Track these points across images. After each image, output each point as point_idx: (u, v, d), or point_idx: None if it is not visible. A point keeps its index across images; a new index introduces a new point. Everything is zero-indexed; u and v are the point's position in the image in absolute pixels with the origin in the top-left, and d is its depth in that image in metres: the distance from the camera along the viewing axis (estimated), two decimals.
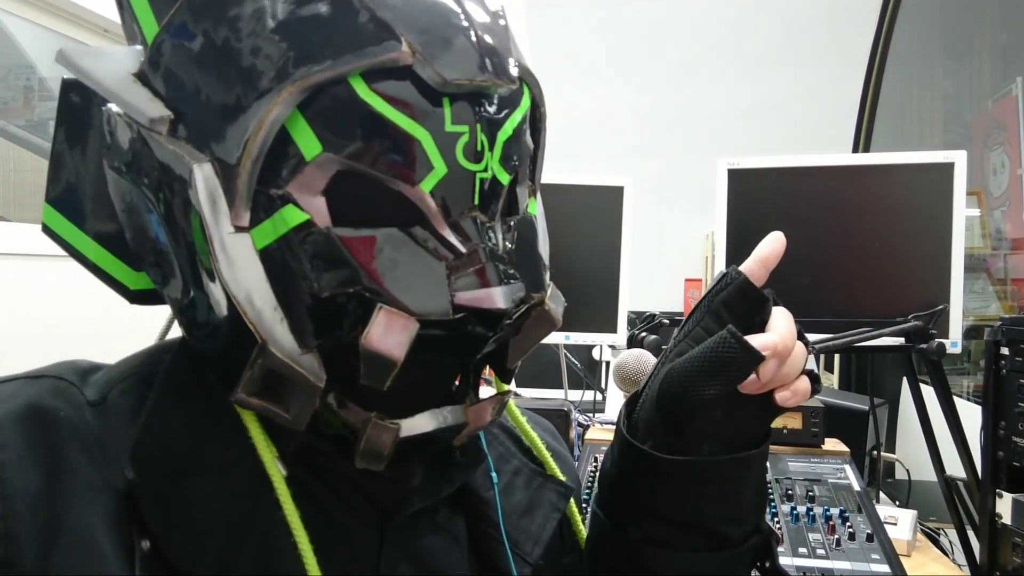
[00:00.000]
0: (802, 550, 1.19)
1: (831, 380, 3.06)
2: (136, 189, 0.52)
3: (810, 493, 1.33)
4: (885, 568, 1.15)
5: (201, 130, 0.48)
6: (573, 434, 1.61)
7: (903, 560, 1.18)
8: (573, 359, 2.16)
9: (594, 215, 1.84)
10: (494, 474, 0.66)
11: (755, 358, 0.54)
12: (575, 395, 2.12)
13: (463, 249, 0.49)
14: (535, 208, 0.59)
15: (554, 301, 0.57)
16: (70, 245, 0.59)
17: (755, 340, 0.55)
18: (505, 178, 0.52)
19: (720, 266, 1.68)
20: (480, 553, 0.63)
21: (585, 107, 4.12)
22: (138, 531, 0.48)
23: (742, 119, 4.09)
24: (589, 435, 1.60)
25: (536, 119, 0.56)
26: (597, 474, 1.42)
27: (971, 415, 1.32)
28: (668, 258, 4.03)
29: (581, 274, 1.82)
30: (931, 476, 1.50)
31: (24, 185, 2.52)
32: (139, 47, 0.53)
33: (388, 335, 0.46)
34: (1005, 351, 1.18)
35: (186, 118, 0.49)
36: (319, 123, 0.46)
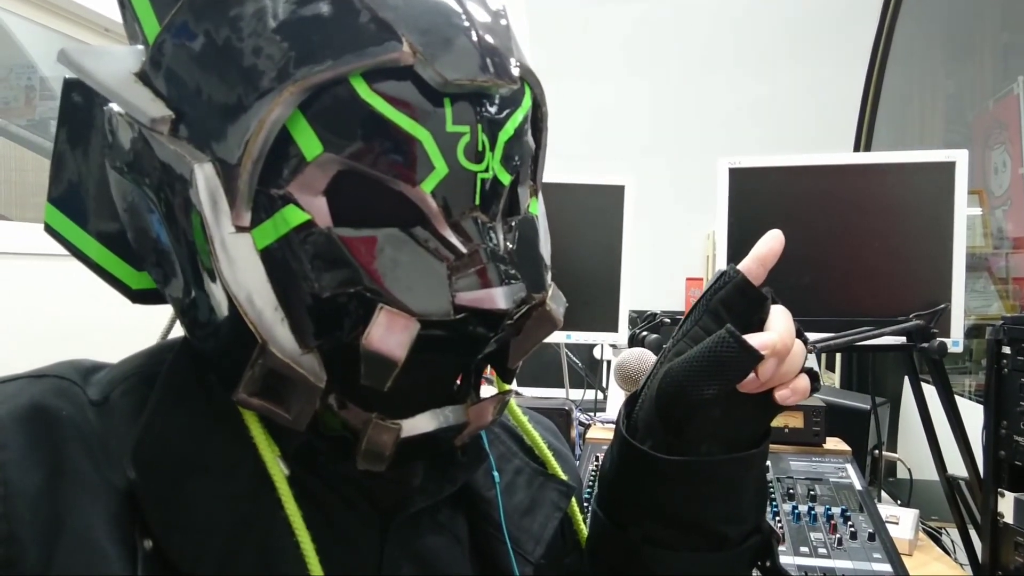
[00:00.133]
0: (804, 549, 1.19)
1: (832, 379, 3.06)
2: (137, 189, 0.52)
3: (812, 492, 1.33)
4: (887, 567, 1.15)
5: (202, 130, 0.48)
6: (574, 433, 1.61)
7: (905, 559, 1.18)
8: (574, 358, 2.16)
9: (595, 214, 1.84)
10: (496, 473, 0.66)
11: (754, 357, 0.54)
12: (576, 394, 2.12)
13: (464, 249, 0.49)
14: (536, 208, 0.59)
15: (555, 301, 0.57)
16: (72, 244, 0.59)
17: (754, 339, 0.55)
18: (506, 178, 0.51)
19: (721, 265, 1.67)
20: (482, 552, 0.63)
21: (586, 106, 4.12)
22: (140, 531, 0.48)
23: (743, 118, 4.09)
24: (590, 434, 1.60)
25: (537, 119, 0.56)
26: (597, 473, 1.42)
27: (973, 414, 1.32)
28: (669, 257, 4.03)
29: (582, 273, 1.82)
30: (933, 475, 1.50)
31: (25, 184, 2.52)
32: (140, 47, 0.53)
33: (389, 335, 0.46)
34: (1007, 350, 1.18)
35: (187, 118, 0.49)
36: (320, 123, 0.46)
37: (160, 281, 0.55)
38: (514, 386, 2.10)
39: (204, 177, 0.47)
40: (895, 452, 2.12)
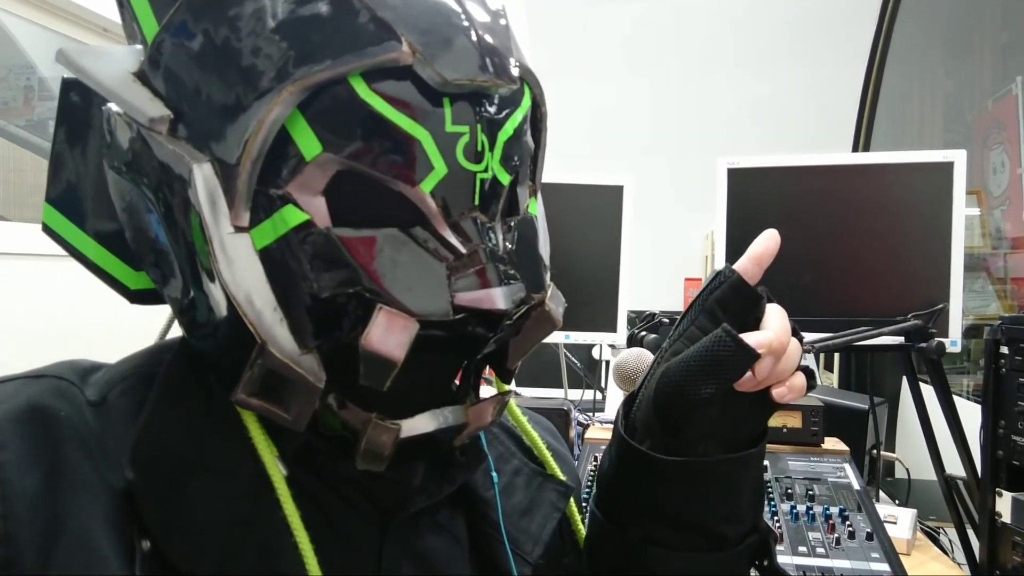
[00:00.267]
0: (802, 549, 1.19)
1: (831, 379, 3.06)
2: (136, 189, 0.52)
3: (810, 492, 1.34)
4: (885, 567, 1.15)
5: (201, 130, 0.48)
6: (573, 433, 1.61)
7: (903, 559, 1.18)
8: (573, 358, 2.16)
9: (594, 214, 1.84)
10: (494, 474, 0.66)
11: (750, 356, 0.55)
12: (575, 394, 2.12)
13: (463, 250, 0.49)
14: (535, 208, 0.59)
15: (554, 301, 0.57)
16: (70, 244, 0.59)
17: (750, 338, 0.55)
18: (506, 178, 0.51)
19: (720, 265, 1.67)
20: (480, 553, 0.63)
21: (585, 106, 4.12)
22: (138, 532, 0.48)
23: (741, 118, 4.09)
24: (589, 434, 1.60)
25: (537, 119, 0.56)
26: (596, 474, 1.42)
27: (971, 414, 1.33)
28: (668, 257, 4.02)
29: (581, 273, 1.82)
30: (931, 475, 1.50)
31: (24, 185, 2.52)
32: (139, 46, 0.53)
33: (388, 336, 0.46)
34: (1005, 350, 1.18)
35: (186, 118, 0.49)
36: (319, 123, 0.46)
37: (158, 281, 0.55)
38: (513, 386, 2.10)
39: (203, 177, 0.47)
40: (893, 452, 2.12)
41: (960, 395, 2.79)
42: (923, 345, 1.38)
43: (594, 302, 1.83)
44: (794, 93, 4.10)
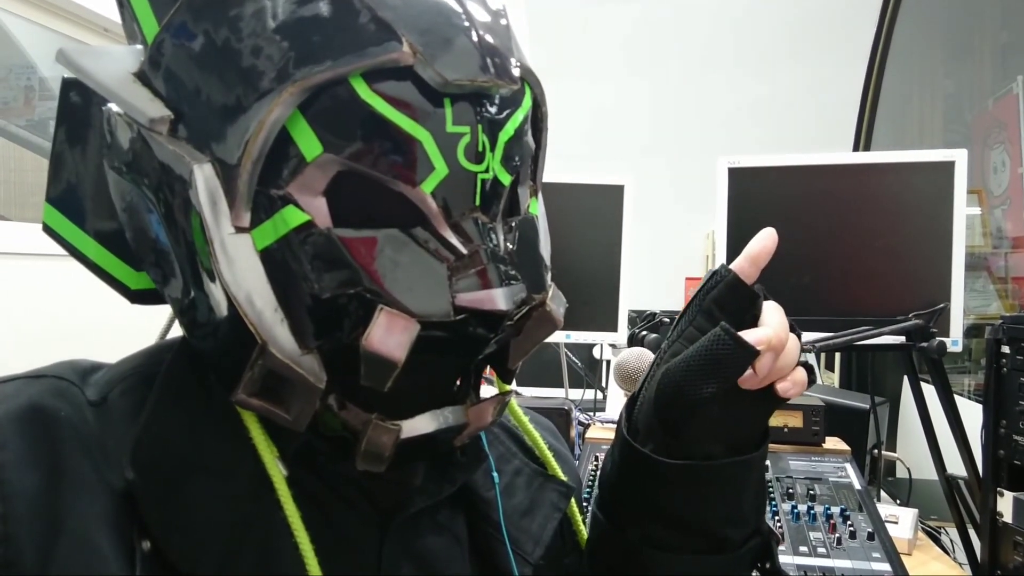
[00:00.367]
0: (803, 549, 1.19)
1: (832, 379, 3.06)
2: (136, 189, 0.52)
3: (811, 492, 1.33)
4: (886, 567, 1.15)
5: (201, 130, 0.48)
6: (574, 433, 1.61)
7: (904, 559, 1.18)
8: (574, 358, 2.16)
9: (595, 214, 1.84)
10: (495, 474, 0.66)
11: (750, 353, 0.55)
12: (576, 394, 2.12)
13: (464, 250, 0.49)
14: (536, 208, 0.59)
15: (555, 302, 0.57)
16: (70, 244, 0.59)
17: (749, 335, 0.55)
18: (507, 179, 0.51)
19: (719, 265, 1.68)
20: (481, 553, 0.63)
21: (585, 106, 4.12)
22: (138, 532, 0.48)
23: (742, 118, 4.09)
24: (590, 434, 1.60)
25: (537, 119, 0.56)
26: (597, 474, 1.42)
27: (972, 414, 1.32)
28: (668, 257, 4.02)
29: (582, 273, 1.82)
30: (932, 475, 1.50)
31: (24, 184, 2.52)
32: (139, 47, 0.53)
33: (389, 336, 0.46)
34: (1006, 349, 1.18)
35: (186, 118, 0.49)
36: (320, 124, 0.46)
37: (159, 281, 0.55)
38: (513, 386, 2.10)
39: (203, 178, 0.47)
40: (894, 452, 2.12)
41: (961, 395, 2.79)
42: (924, 345, 1.38)
43: (595, 302, 1.83)
44: (794, 93, 4.10)
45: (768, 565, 0.64)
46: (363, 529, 0.57)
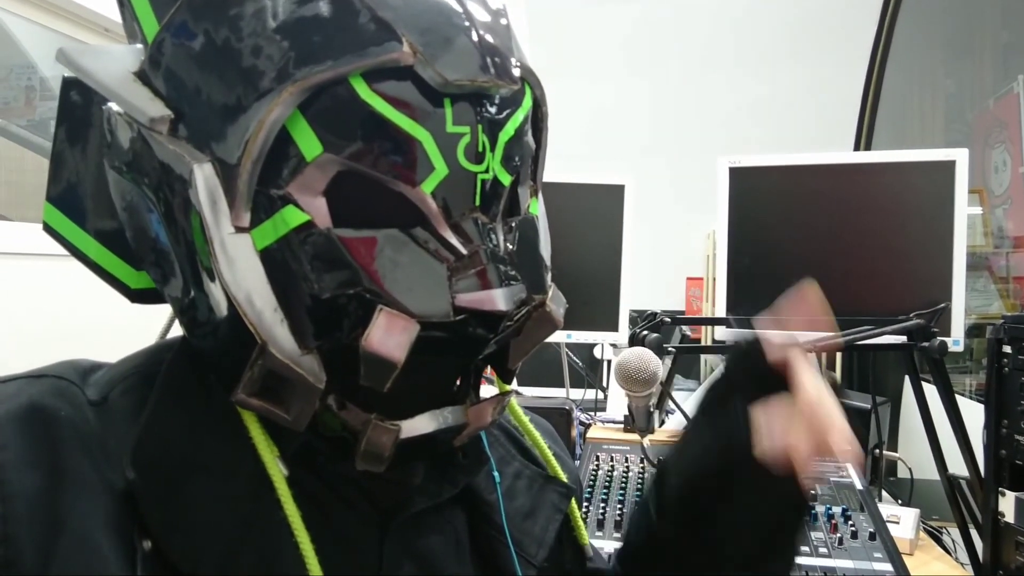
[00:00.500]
0: (804, 549, 1.19)
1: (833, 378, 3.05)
2: (136, 188, 0.52)
3: (812, 492, 1.33)
4: (888, 567, 1.14)
5: (201, 130, 0.48)
6: (575, 433, 1.61)
7: (905, 559, 1.18)
8: (575, 357, 2.16)
9: (595, 214, 1.84)
10: (497, 476, 0.65)
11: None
12: (576, 394, 2.12)
13: (464, 250, 0.49)
14: (536, 208, 0.59)
15: (555, 302, 0.57)
16: (71, 244, 0.59)
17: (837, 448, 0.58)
18: (507, 179, 0.51)
19: (721, 264, 1.68)
20: (484, 555, 0.63)
21: (586, 105, 4.12)
22: (139, 532, 0.48)
23: (743, 117, 4.08)
24: (590, 434, 1.60)
25: (538, 119, 0.56)
26: (597, 475, 1.42)
27: (973, 413, 1.32)
28: (669, 256, 4.03)
29: (582, 273, 1.82)
30: (933, 474, 1.50)
31: (25, 185, 2.52)
32: (139, 46, 0.52)
33: (388, 337, 0.46)
34: (1007, 349, 1.18)
35: (186, 118, 0.48)
36: (320, 124, 0.46)
37: (159, 281, 0.55)
38: (514, 385, 2.10)
39: (203, 177, 0.47)
40: (896, 451, 2.12)
41: (963, 394, 2.79)
42: (925, 344, 1.37)
43: (596, 301, 1.83)
44: (795, 93, 4.09)
45: None
46: (363, 529, 0.57)
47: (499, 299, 0.49)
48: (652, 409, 1.30)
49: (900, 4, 3.81)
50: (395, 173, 0.47)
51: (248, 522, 0.50)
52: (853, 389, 2.80)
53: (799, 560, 1.16)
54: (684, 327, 1.69)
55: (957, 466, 1.41)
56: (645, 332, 1.66)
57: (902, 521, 1.40)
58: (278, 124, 0.45)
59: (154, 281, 0.56)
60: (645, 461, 1.45)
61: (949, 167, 1.51)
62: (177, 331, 0.58)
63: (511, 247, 0.53)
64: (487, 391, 0.60)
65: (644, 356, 1.20)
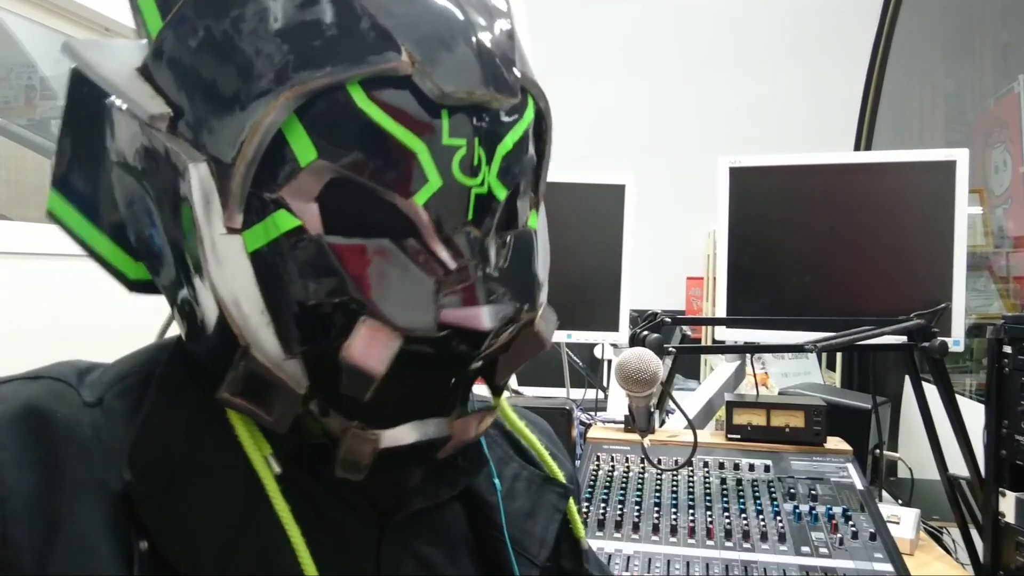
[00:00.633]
0: (804, 549, 1.19)
1: (833, 379, 3.06)
2: (136, 182, 0.52)
3: (812, 492, 1.33)
4: (888, 567, 1.14)
5: (199, 129, 0.48)
6: (575, 433, 1.60)
7: (906, 559, 1.18)
8: (575, 357, 2.16)
9: (596, 213, 1.84)
10: (496, 480, 0.65)
11: None
12: (577, 393, 2.12)
13: (453, 265, 0.48)
14: (536, 221, 0.58)
15: (545, 320, 0.56)
16: (73, 232, 0.59)
17: None
18: (502, 193, 0.51)
19: (722, 264, 1.68)
20: (486, 557, 0.63)
21: (587, 105, 4.12)
22: (136, 532, 0.48)
23: (743, 117, 4.09)
24: (591, 434, 1.60)
25: (541, 130, 0.55)
26: (598, 475, 1.42)
27: (974, 413, 1.32)
28: (670, 256, 4.03)
29: (583, 272, 1.82)
30: (934, 475, 1.50)
31: (26, 184, 2.52)
32: (144, 41, 0.52)
33: (370, 349, 0.46)
34: (1008, 349, 1.18)
35: (186, 116, 0.48)
36: (315, 129, 0.46)
37: (154, 274, 0.55)
38: (514, 385, 2.10)
39: (198, 177, 0.46)
40: (896, 452, 2.12)
41: (963, 394, 2.79)
42: (926, 344, 1.37)
43: (596, 301, 1.83)
44: (795, 93, 4.10)
45: None
46: (361, 529, 0.57)
47: (484, 317, 0.48)
48: (652, 409, 1.30)
49: (900, 4, 3.81)
50: (388, 183, 0.46)
51: (245, 522, 0.50)
52: (853, 389, 2.81)
53: (800, 560, 1.16)
54: (684, 327, 1.69)
55: (957, 466, 1.41)
56: (645, 332, 1.66)
57: (902, 521, 1.40)
58: (274, 128, 0.45)
59: (150, 273, 0.56)
60: (645, 461, 1.45)
61: (950, 167, 1.51)
62: (176, 330, 0.58)
63: (503, 263, 0.52)
64: (483, 390, 0.59)
65: (644, 356, 1.20)
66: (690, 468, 1.44)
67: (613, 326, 1.83)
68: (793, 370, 2.79)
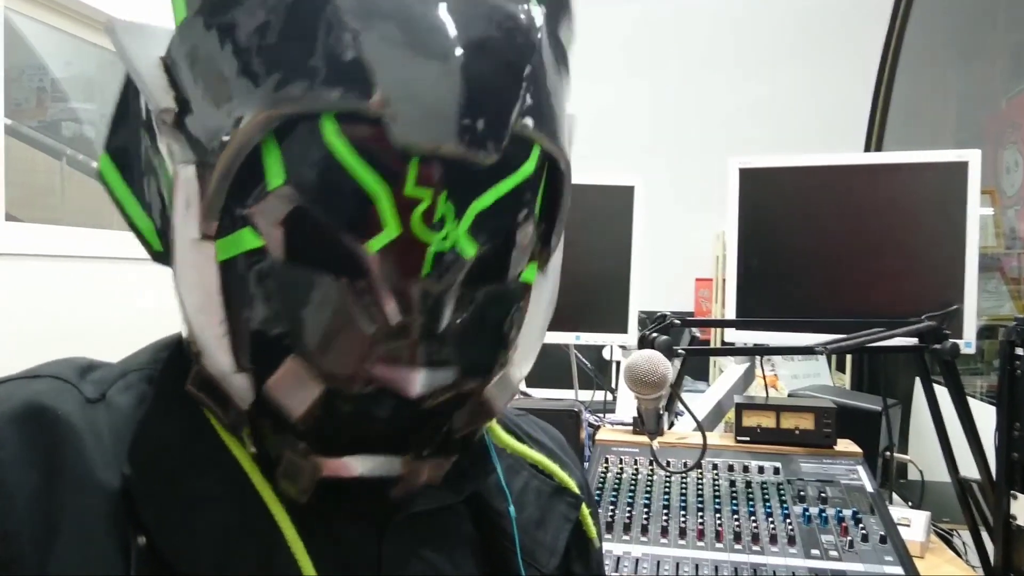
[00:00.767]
0: (815, 552, 1.18)
1: (844, 380, 3.04)
2: (151, 163, 0.52)
3: (822, 494, 1.33)
4: (898, 570, 1.14)
5: (195, 129, 0.48)
6: (584, 435, 1.60)
7: (916, 562, 1.18)
8: (583, 359, 2.15)
9: (605, 215, 1.83)
10: (506, 488, 0.64)
11: None
12: (585, 395, 2.11)
13: (397, 319, 0.46)
14: (533, 275, 0.55)
15: (499, 388, 0.53)
16: (115, 196, 0.57)
17: None
18: (471, 250, 0.47)
19: (731, 266, 1.67)
20: (492, 562, 0.62)
21: (595, 107, 4.11)
22: (135, 529, 0.48)
23: (753, 118, 4.07)
24: (599, 436, 1.60)
25: (556, 180, 0.53)
26: (606, 478, 1.42)
27: (985, 416, 1.31)
28: (679, 258, 4.01)
29: (592, 274, 1.82)
30: (944, 477, 1.49)
31: (36, 186, 2.53)
32: (173, 29, 0.52)
33: (291, 389, 0.46)
34: (1020, 351, 1.17)
35: (187, 115, 0.48)
36: (287, 155, 0.44)
37: (167, 251, 0.54)
38: (522, 387, 2.09)
39: (184, 179, 0.47)
40: (906, 454, 2.11)
41: (974, 396, 2.77)
42: (937, 346, 1.36)
43: (605, 303, 1.83)
44: (806, 93, 4.09)
45: None
46: (361, 529, 0.56)
47: (415, 382, 0.46)
48: (661, 411, 1.30)
49: (911, 4, 3.79)
50: (344, 223, 0.45)
51: (243, 521, 0.50)
52: (864, 391, 2.79)
53: (810, 563, 1.15)
54: (694, 329, 1.68)
55: (968, 468, 1.40)
56: (654, 334, 1.65)
57: (913, 524, 1.39)
58: (248, 147, 0.44)
59: (164, 248, 0.55)
60: (654, 464, 1.45)
61: (961, 168, 1.50)
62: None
63: (459, 322, 0.49)
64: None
65: (653, 359, 1.20)
66: (699, 470, 1.44)
67: (622, 328, 1.82)
68: (803, 372, 2.78)
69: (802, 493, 1.33)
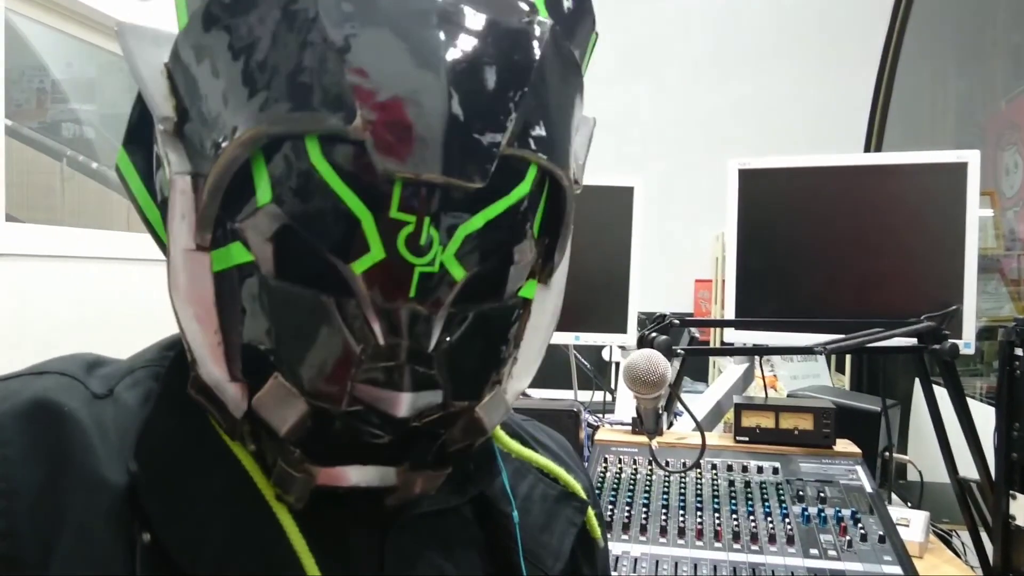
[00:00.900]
0: (813, 551, 1.18)
1: (843, 381, 3.04)
2: (163, 162, 0.52)
3: (821, 494, 1.33)
4: (897, 570, 1.14)
5: (191, 141, 0.48)
6: (583, 435, 1.60)
7: (915, 562, 1.18)
8: (583, 359, 2.16)
9: (604, 216, 1.83)
10: (510, 492, 0.64)
11: None
12: (585, 396, 2.11)
13: (382, 341, 0.45)
14: (533, 290, 0.55)
15: (489, 407, 0.52)
16: (131, 190, 0.57)
17: None
18: (459, 273, 0.46)
19: (731, 267, 1.68)
20: (497, 564, 0.62)
21: (595, 108, 4.11)
22: (139, 525, 0.48)
23: (753, 119, 4.08)
24: (599, 436, 1.60)
25: (560, 198, 0.52)
26: (606, 477, 1.42)
27: (984, 416, 1.31)
28: (678, 259, 4.02)
29: (591, 274, 1.82)
30: (944, 477, 1.49)
31: (36, 187, 2.53)
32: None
33: (275, 407, 0.46)
34: (1019, 352, 1.17)
35: (185, 125, 0.48)
36: (274, 173, 0.44)
37: None
38: (511, 402, 2.09)
39: (179, 190, 0.47)
40: (906, 454, 2.11)
41: (973, 397, 2.77)
42: (936, 347, 1.37)
43: (604, 303, 1.83)
44: (805, 94, 4.09)
45: None
46: (364, 529, 0.56)
47: (401, 404, 0.46)
48: (661, 411, 1.30)
49: (911, 5, 3.80)
50: (330, 245, 0.44)
51: (247, 520, 0.50)
52: (863, 391, 2.80)
53: (809, 563, 1.15)
54: (693, 329, 1.69)
55: (968, 469, 1.40)
56: (654, 334, 1.66)
57: (912, 524, 1.39)
58: (236, 163, 0.44)
59: None
60: (653, 463, 1.45)
61: (961, 169, 1.50)
62: None
63: (445, 345, 0.48)
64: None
65: (653, 358, 1.20)
66: (698, 470, 1.44)
67: (621, 328, 1.82)
68: (802, 372, 2.78)
69: (801, 493, 1.33)
